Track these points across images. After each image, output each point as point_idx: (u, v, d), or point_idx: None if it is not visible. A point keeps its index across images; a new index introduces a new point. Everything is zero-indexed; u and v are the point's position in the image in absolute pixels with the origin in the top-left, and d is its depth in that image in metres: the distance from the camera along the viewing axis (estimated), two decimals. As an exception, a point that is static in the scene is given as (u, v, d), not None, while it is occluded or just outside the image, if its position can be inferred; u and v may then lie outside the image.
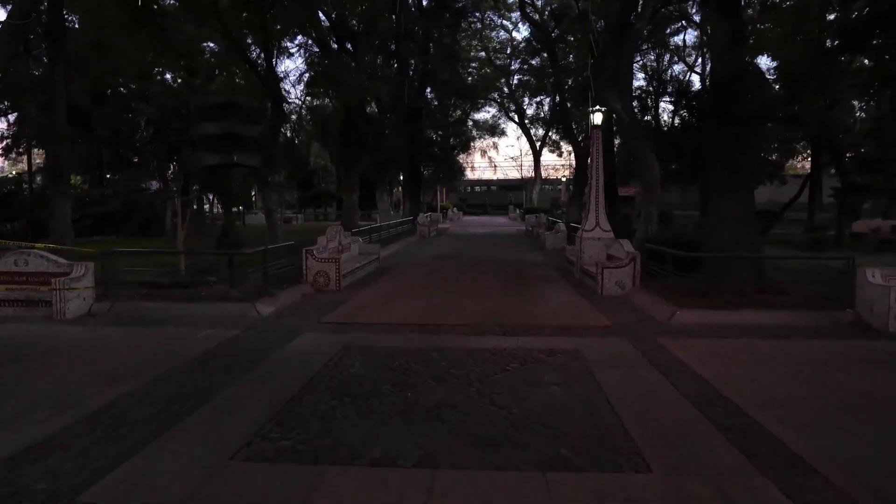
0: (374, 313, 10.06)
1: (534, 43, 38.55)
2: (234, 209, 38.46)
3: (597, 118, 14.86)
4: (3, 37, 11.85)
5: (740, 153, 11.11)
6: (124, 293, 10.83)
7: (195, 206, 27.72)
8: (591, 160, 15.28)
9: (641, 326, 9.05)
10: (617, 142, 26.41)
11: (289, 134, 35.85)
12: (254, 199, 44.62)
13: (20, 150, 25.95)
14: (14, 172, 38.13)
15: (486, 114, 56.18)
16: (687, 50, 39.19)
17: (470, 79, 43.23)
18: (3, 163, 40.45)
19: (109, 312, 10.09)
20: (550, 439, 4.79)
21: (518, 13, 37.89)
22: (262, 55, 19.82)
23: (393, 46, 30.94)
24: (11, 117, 32.57)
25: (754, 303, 9.89)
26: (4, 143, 32.30)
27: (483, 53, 45.76)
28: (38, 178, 27.53)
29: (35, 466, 4.38)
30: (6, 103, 33.11)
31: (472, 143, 51.00)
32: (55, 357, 7.39)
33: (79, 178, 36.74)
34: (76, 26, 22.22)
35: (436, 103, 40.57)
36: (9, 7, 12.96)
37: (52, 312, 9.87)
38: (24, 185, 23.97)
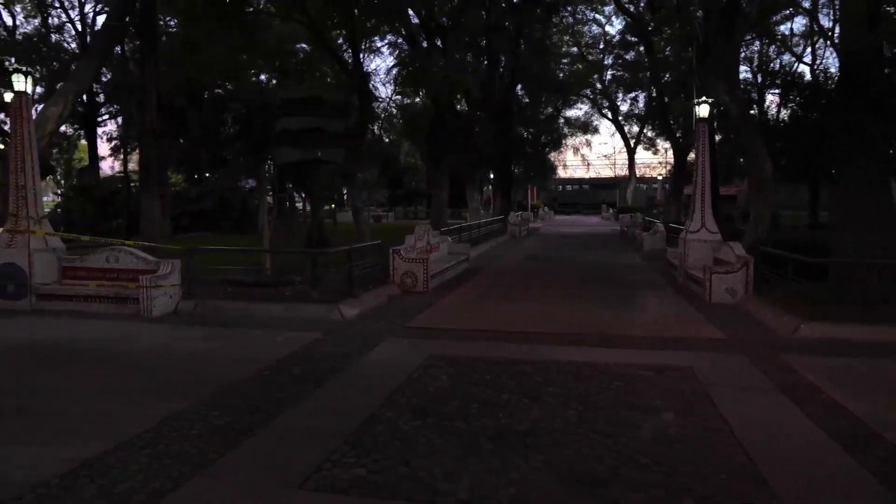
0: (461, 318, 9.45)
1: (628, 37, 37.08)
2: (326, 207, 38.91)
3: (702, 110, 13.72)
4: (101, 37, 12.00)
5: (885, 144, 9.82)
6: (209, 292, 10.69)
7: (287, 204, 28.07)
8: (697, 156, 14.16)
9: (760, 341, 8.03)
10: (717, 137, 24.86)
11: (377, 131, 35.86)
12: (345, 197, 45.10)
13: (126, 150, 27.07)
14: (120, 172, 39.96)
15: (578, 111, 54.64)
16: (795, 39, 36.69)
17: (561, 75, 42.08)
18: (113, 163, 42.54)
19: (194, 311, 9.95)
20: (666, 480, 4.02)
21: (611, 6, 36.52)
22: (350, 51, 19.66)
23: (483, 42, 30.34)
24: (120, 119, 34.16)
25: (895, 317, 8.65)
26: (113, 143, 33.83)
27: (575, 49, 44.47)
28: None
29: (91, 484, 4.00)
30: (116, 106, 34.75)
31: (563, 141, 49.70)
32: (130, 359, 7.19)
33: (179, 176, 38.11)
34: (170, 28, 23.03)
35: (526, 100, 39.68)
36: (105, 9, 13.25)
37: (140, 310, 9.81)
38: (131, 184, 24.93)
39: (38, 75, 32.22)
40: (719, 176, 25.62)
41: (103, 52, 13.05)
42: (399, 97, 35.58)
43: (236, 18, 16.08)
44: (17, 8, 34.61)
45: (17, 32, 34.17)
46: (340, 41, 22.39)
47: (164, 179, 28.98)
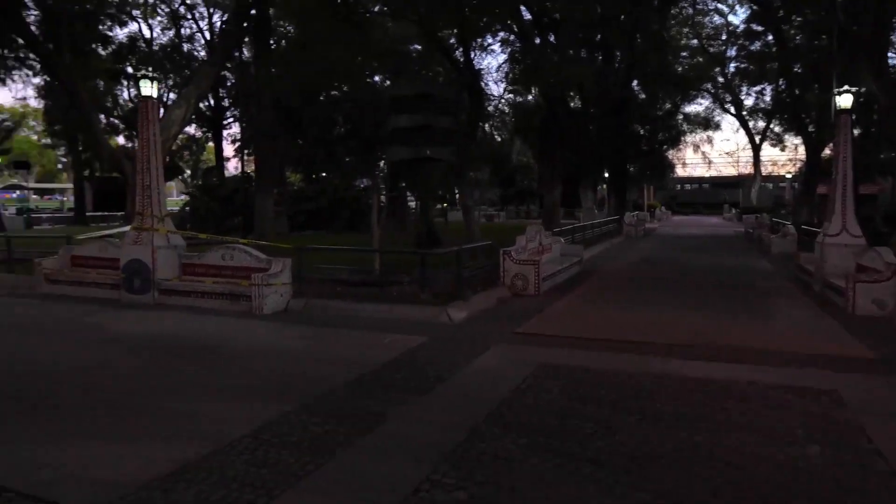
0: (573, 325, 8.96)
1: (753, 26, 34.83)
2: (438, 206, 39.06)
3: (844, 100, 12.45)
4: (220, 43, 12.36)
5: None
6: (319, 290, 10.75)
7: (398, 203, 28.33)
8: (837, 151, 12.89)
9: (918, 361, 7.07)
10: (856, 131, 22.80)
11: (489, 130, 35.61)
12: (457, 196, 45.15)
13: (244, 151, 28.26)
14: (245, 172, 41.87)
15: (699, 106, 52.04)
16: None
17: (680, 69, 40.17)
18: (237, 163, 44.66)
19: (303, 310, 10.00)
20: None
21: (735, -5, 34.48)
22: (461, 49, 19.48)
23: (598, 37, 29.38)
24: (243, 122, 35.67)
25: None
26: (236, 145, 35.41)
27: (695, 41, 42.35)
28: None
29: (189, 490, 3.90)
30: (239, 109, 36.39)
31: (682, 138, 47.52)
32: (237, 357, 7.23)
33: (298, 175, 39.42)
34: (287, 32, 23.73)
35: (642, 96, 38.19)
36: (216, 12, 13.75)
37: (252, 307, 9.97)
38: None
39: (171, 82, 34.31)
40: (857, 173, 23.54)
41: (222, 56, 13.50)
42: (511, 95, 35.18)
43: (349, 20, 16.25)
44: (155, 22, 37.07)
45: (154, 43, 36.53)
46: (452, 41, 22.30)
47: (282, 179, 30.10)
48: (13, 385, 6.19)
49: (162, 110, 19.10)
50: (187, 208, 26.86)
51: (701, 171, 71.63)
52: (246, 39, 19.09)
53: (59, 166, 61.00)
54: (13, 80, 30.24)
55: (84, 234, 13.89)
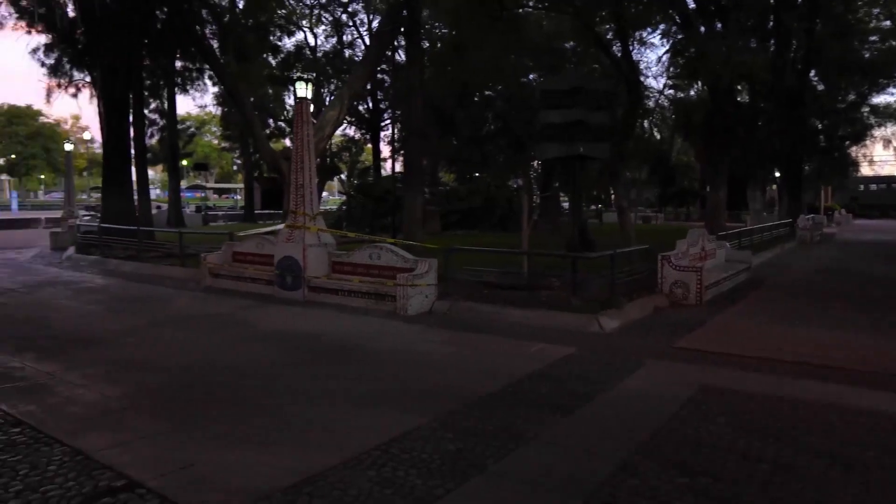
0: (741, 341, 7.98)
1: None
2: (593, 207, 37.88)
3: None
4: (373, 44, 12.44)
5: None
6: (464, 292, 10.45)
7: (551, 203, 27.67)
8: None
9: None
10: None
11: (647, 127, 33.97)
12: (612, 196, 43.61)
13: (394, 151, 28.83)
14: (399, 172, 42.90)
15: (890, 96, 46.74)
16: None
17: (867, 54, 36.04)
18: (394, 164, 45.86)
19: (448, 312, 9.74)
20: None
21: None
22: (618, 42, 18.53)
23: (770, 23, 27.00)
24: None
25: None
26: (393, 145, 36.25)
27: (887, 22, 37.86)
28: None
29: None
30: (397, 111, 37.28)
31: (868, 133, 42.79)
32: (377, 360, 7.05)
33: (452, 175, 39.80)
34: (441, 32, 23.86)
35: (821, 87, 34.72)
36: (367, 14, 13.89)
37: (396, 308, 9.85)
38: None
39: (332, 86, 35.76)
40: None
41: (375, 57, 13.65)
42: (671, 91, 33.32)
43: (502, 17, 15.90)
44: (319, 30, 38.89)
45: (318, 51, 38.31)
46: (609, 36, 21.33)
47: (435, 178, 30.43)
48: (158, 378, 6.36)
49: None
50: (344, 207, 27.87)
51: (890, 170, 64.53)
52: (399, 42, 19.46)
53: (235, 168, 66.00)
54: (196, 90, 33.00)
55: (243, 231, 14.56)
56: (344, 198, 33.98)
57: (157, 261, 15.51)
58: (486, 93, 27.77)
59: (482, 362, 6.95)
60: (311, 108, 12.12)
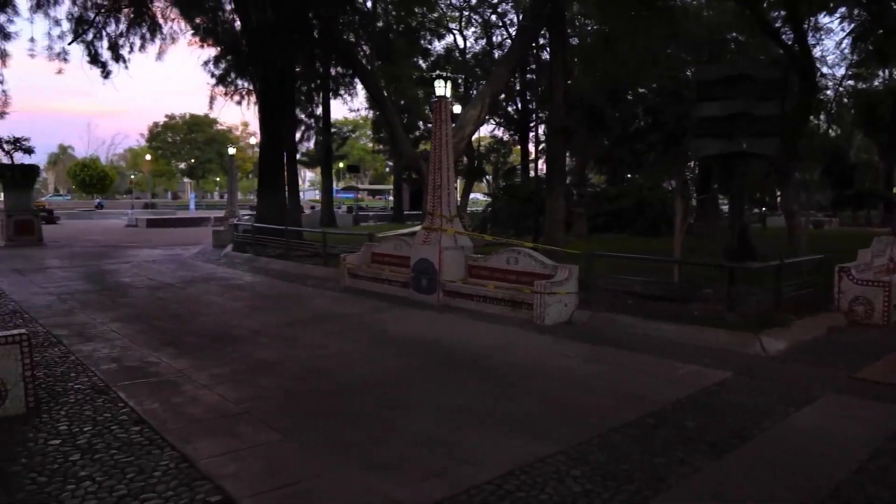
0: (943, 372, 6.64)
1: None
2: (756, 210, 35.01)
3: None
4: (516, 40, 11.92)
5: None
6: (607, 302, 9.65)
7: (707, 206, 25.76)
8: None
9: None
10: None
11: (822, 122, 30.83)
12: (777, 198, 40.07)
13: (538, 151, 28.15)
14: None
15: None
16: None
17: None
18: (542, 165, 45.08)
19: (588, 323, 9.00)
20: None
21: None
22: (788, 29, 16.69)
23: None
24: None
25: None
26: (540, 146, 35.46)
27: None
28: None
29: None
30: (542, 112, 36.49)
31: None
32: (507, 374, 6.50)
33: (602, 176, 38.38)
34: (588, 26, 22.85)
35: None
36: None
37: (532, 316, 9.25)
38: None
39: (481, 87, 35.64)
40: None
41: (518, 53, 13.11)
42: (851, 81, 30.04)
43: (657, 8, 14.78)
44: (469, 32, 38.99)
45: (467, 52, 38.39)
46: (778, 24, 19.39)
47: (584, 179, 29.37)
48: (281, 382, 6.21)
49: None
50: (489, 209, 27.59)
51: None
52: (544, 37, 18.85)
53: (387, 169, 68.03)
54: (349, 94, 34.09)
55: (383, 233, 14.54)
56: (489, 200, 33.90)
57: (302, 260, 15.89)
58: (640, 90, 26.40)
59: (621, 384, 6.20)
60: (452, 107, 11.81)
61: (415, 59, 34.25)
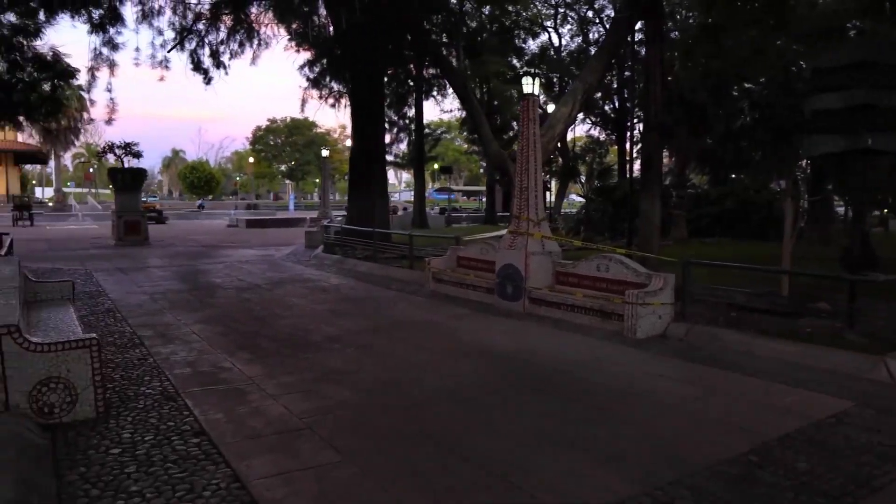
0: None
1: None
2: (877, 213, 32.31)
3: None
4: (610, 32, 11.25)
5: None
6: (707, 315, 8.86)
7: (823, 209, 23.90)
8: None
9: None
10: None
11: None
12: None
13: (632, 150, 26.97)
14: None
15: None
16: None
17: None
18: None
19: (684, 338, 8.27)
20: None
21: None
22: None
23: None
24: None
25: None
26: (631, 144, 34.22)
27: None
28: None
29: None
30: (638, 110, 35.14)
31: None
32: (590, 393, 5.92)
33: (704, 177, 36.51)
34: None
35: None
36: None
37: (623, 328, 8.60)
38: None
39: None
40: None
41: (611, 47, 12.41)
42: None
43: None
44: (564, 29, 38.14)
45: (563, 50, 37.53)
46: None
47: (683, 180, 27.93)
48: (350, 395, 5.90)
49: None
50: (583, 211, 26.71)
51: None
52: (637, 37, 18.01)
53: (481, 171, 67.71)
54: (442, 95, 34.01)
55: (469, 236, 14.13)
56: (583, 202, 32.83)
57: (389, 262, 15.74)
58: (745, 85, 24.77)
59: (720, 411, 5.53)
60: (545, 106, 11.28)
61: (508, 59, 33.79)
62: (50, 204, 60.36)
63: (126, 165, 24.88)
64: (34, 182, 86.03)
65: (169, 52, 21.55)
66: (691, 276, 9.02)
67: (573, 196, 63.87)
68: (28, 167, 75.15)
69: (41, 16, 16.85)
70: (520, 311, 10.19)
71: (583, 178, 26.49)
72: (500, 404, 5.71)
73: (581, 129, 40.30)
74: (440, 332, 8.89)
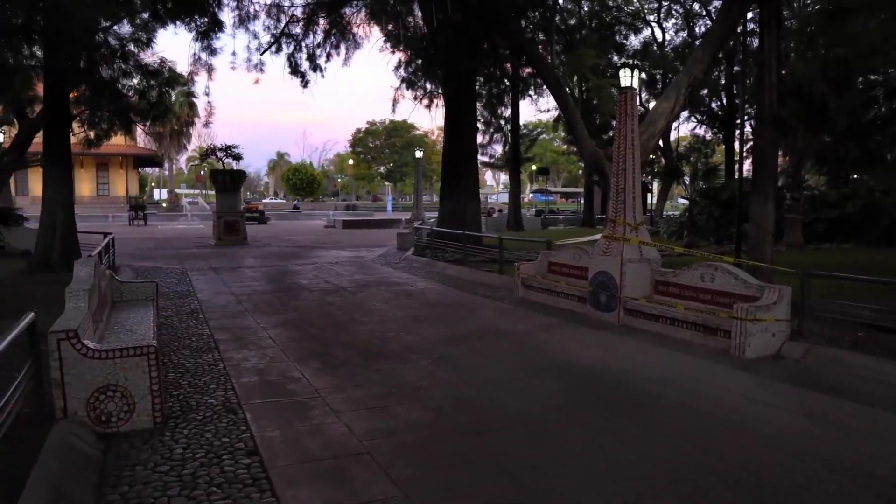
0: None
1: None
2: None
3: None
4: (718, 19, 10.29)
5: None
6: (829, 334, 7.83)
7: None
8: None
9: None
10: None
11: None
12: None
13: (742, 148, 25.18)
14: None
15: None
16: None
17: None
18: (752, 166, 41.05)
19: (802, 361, 7.30)
20: None
21: None
22: None
23: None
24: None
25: None
26: (741, 142, 32.17)
27: None
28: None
29: None
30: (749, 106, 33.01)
31: None
32: (685, 425, 5.15)
33: (821, 178, 33.92)
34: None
35: None
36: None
37: (730, 346, 7.72)
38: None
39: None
40: None
41: (720, 35, 11.35)
42: None
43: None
44: (668, 24, 36.48)
45: (666, 46, 35.91)
46: None
47: (799, 181, 25.89)
48: (419, 415, 5.41)
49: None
50: (686, 214, 25.23)
51: None
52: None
53: (580, 171, 66.25)
54: (539, 95, 33.22)
55: (562, 240, 13.39)
56: (687, 203, 31.05)
57: (478, 266, 15.24)
58: (871, 77, 22.61)
59: (843, 450, 4.67)
60: (642, 101, 10.47)
61: (608, 56, 32.58)
62: (164, 205, 63.67)
63: (227, 167, 25.58)
64: (153, 184, 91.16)
65: (262, 53, 22.01)
66: (811, 289, 8.00)
67: (679, 199, 61.33)
68: (149, 170, 79.93)
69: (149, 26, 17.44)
70: (613, 323, 9.44)
71: (686, 179, 24.96)
72: (584, 432, 5.06)
73: (685, 129, 38.46)
74: (524, 343, 8.28)
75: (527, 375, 6.71)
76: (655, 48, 35.43)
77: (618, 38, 34.58)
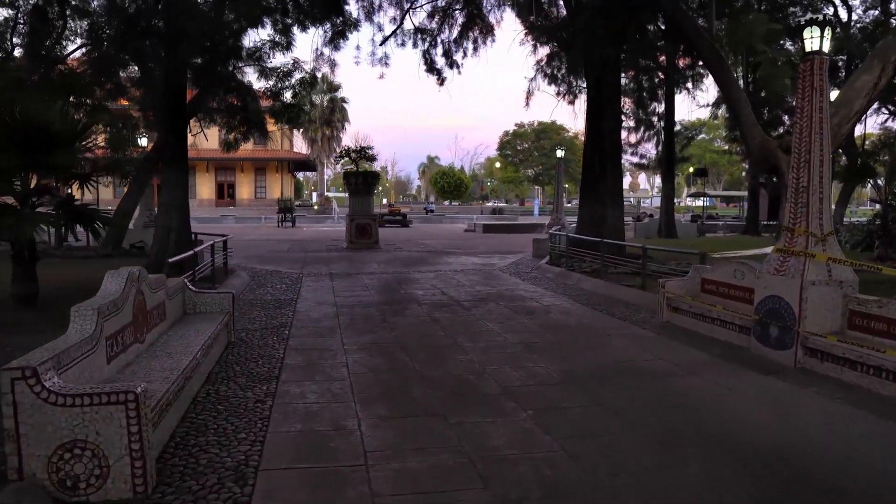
0: None
1: None
2: None
3: None
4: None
5: None
6: None
7: None
8: None
9: None
10: None
11: None
12: None
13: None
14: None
15: None
16: None
17: None
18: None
19: None
20: None
21: None
22: None
23: None
24: None
25: None
26: None
27: None
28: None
29: None
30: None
31: None
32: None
33: None
34: None
35: None
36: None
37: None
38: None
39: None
40: None
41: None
42: None
43: None
44: (857, 2, 31.93)
45: (852, 26, 31.39)
46: None
47: None
48: (494, 497, 3.69)
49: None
50: (877, 221, 21.26)
51: None
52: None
53: (743, 173, 60.65)
54: (700, 89, 30.12)
55: (720, 252, 10.98)
56: (877, 208, 26.38)
57: (618, 279, 13.14)
58: None
59: None
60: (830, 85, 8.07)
61: (781, 42, 28.75)
62: (315, 207, 65.80)
63: (362, 168, 24.94)
64: (313, 187, 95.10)
65: (381, 44, 21.37)
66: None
67: (860, 204, 54.48)
68: (309, 174, 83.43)
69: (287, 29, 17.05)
70: (788, 366, 7.12)
71: (881, 180, 21.05)
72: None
73: (872, 123, 33.46)
74: (664, 391, 6.24)
75: (661, 449, 4.74)
76: (839, 30, 30.94)
77: (790, 20, 30.54)
